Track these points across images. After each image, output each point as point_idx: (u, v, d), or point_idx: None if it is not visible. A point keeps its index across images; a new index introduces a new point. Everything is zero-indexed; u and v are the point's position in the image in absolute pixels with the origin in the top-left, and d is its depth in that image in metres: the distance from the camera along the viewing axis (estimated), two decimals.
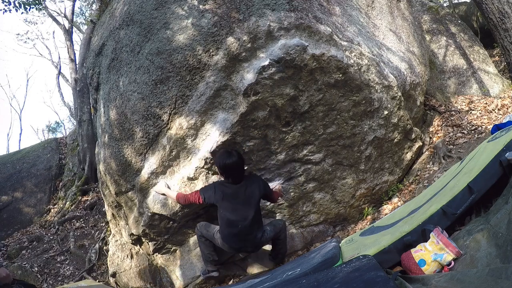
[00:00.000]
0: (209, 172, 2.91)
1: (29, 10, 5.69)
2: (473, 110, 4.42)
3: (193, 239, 3.36)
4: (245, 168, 2.91)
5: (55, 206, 6.67)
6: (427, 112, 4.48)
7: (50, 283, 4.54)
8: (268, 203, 3.18)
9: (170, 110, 2.91)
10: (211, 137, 2.82)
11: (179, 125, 2.89)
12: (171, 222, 3.20)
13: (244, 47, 2.65)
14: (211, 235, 2.90)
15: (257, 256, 3.31)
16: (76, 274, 4.65)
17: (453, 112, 4.37)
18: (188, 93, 2.83)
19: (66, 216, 6.13)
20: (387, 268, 1.77)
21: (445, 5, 9.88)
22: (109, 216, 4.14)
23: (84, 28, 12.07)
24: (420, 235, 1.86)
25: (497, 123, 3.35)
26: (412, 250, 1.75)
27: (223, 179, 2.80)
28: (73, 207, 6.41)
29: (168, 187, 3.01)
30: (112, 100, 3.35)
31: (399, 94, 3.27)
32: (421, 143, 3.75)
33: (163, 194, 3.02)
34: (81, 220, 6.06)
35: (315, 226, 3.43)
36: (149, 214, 3.13)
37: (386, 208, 3.40)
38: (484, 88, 5.61)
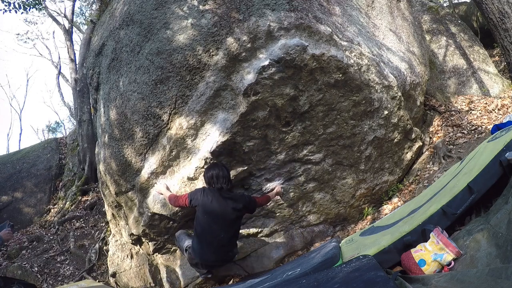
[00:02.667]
0: None
1: (29, 10, 5.69)
2: (473, 110, 4.42)
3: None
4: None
5: (55, 206, 6.67)
6: (427, 112, 4.48)
7: (50, 283, 4.53)
8: (268, 203, 3.18)
9: (170, 110, 2.90)
10: (211, 137, 2.82)
11: (179, 125, 2.89)
12: (171, 222, 3.20)
13: (244, 47, 2.65)
14: (182, 250, 2.84)
15: (257, 256, 3.31)
16: (76, 274, 4.65)
17: (453, 112, 4.37)
18: (188, 93, 2.83)
19: (66, 216, 6.13)
20: (387, 268, 1.77)
21: (445, 5, 9.88)
22: (109, 216, 4.14)
23: (84, 28, 12.07)
24: (420, 235, 1.86)
25: (497, 123, 3.35)
26: (412, 250, 1.75)
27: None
28: (73, 207, 6.41)
29: (168, 188, 3.00)
30: (112, 100, 3.35)
31: (399, 94, 3.27)
32: (421, 143, 3.75)
33: (162, 194, 3.01)
34: (81, 220, 6.06)
35: (315, 226, 3.43)
36: (149, 214, 3.13)
37: (386, 208, 3.40)
38: (484, 88, 5.62)
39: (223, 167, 2.74)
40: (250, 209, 2.87)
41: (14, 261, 4.97)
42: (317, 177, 3.22)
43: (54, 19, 10.60)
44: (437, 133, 4.09)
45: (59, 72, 13.97)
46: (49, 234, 5.74)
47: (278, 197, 3.19)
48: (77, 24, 13.08)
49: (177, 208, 2.99)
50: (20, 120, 21.30)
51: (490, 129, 3.23)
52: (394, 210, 2.95)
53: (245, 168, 3.00)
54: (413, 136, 3.61)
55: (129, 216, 3.47)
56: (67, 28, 9.53)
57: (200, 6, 2.81)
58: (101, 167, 3.76)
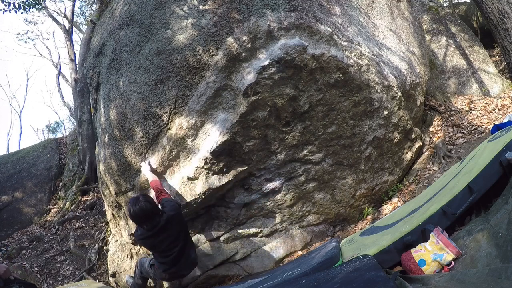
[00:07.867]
0: (209, 172, 2.91)
1: (29, 10, 5.68)
2: (473, 110, 4.41)
3: (193, 239, 3.35)
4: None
5: (55, 206, 6.67)
6: (427, 112, 4.48)
7: (50, 283, 4.53)
8: (269, 202, 3.18)
9: (170, 110, 2.90)
10: (211, 137, 2.82)
11: (179, 125, 2.89)
12: None
13: (244, 47, 2.65)
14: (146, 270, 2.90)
15: (257, 256, 3.31)
16: (76, 274, 4.65)
17: (453, 112, 4.37)
18: (188, 93, 2.83)
19: (66, 216, 6.13)
20: (387, 268, 1.77)
21: (445, 5, 9.88)
22: (109, 216, 4.14)
23: (84, 28, 12.06)
24: (420, 235, 1.86)
25: (497, 123, 3.35)
26: (412, 250, 1.75)
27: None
28: (73, 207, 6.40)
29: (153, 170, 3.01)
30: (112, 100, 3.35)
31: (399, 94, 3.27)
32: (421, 143, 3.75)
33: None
34: (81, 220, 6.05)
35: (315, 226, 3.43)
36: None
37: (386, 208, 3.39)
38: (484, 88, 5.62)
39: (145, 200, 2.48)
40: (178, 210, 2.68)
41: (14, 261, 4.97)
42: (317, 177, 3.22)
43: (54, 19, 10.60)
44: (437, 133, 4.09)
45: (59, 72, 13.94)
46: (49, 234, 5.74)
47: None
48: (77, 24, 13.07)
49: None
50: (20, 120, 21.28)
51: (490, 129, 3.23)
52: (394, 210, 2.95)
53: (245, 168, 3.00)
54: (413, 136, 3.61)
55: None
56: (67, 28, 9.53)
57: (200, 6, 2.81)
58: (101, 167, 3.75)
